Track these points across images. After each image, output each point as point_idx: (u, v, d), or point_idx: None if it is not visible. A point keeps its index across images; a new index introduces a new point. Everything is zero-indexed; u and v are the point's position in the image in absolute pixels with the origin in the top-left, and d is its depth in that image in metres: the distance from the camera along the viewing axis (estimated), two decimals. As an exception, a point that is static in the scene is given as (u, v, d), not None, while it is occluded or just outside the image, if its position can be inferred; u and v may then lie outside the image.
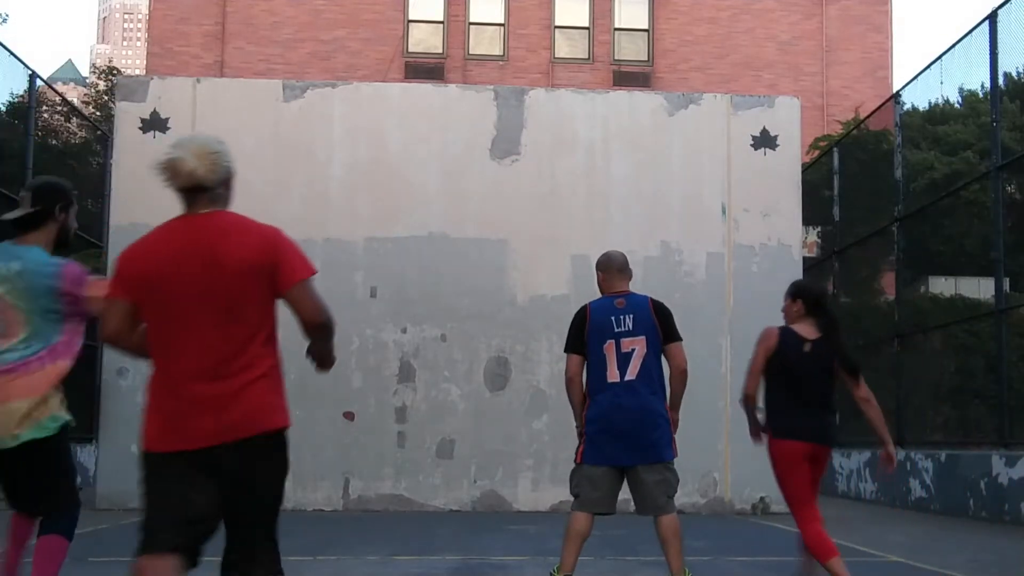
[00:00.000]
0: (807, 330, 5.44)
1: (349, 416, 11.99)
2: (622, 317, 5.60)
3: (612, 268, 5.81)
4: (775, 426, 5.42)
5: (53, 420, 4.31)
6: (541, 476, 12.08)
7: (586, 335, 5.64)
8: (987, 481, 11.36)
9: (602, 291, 5.83)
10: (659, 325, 5.63)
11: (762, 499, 12.00)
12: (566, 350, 5.73)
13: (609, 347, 5.56)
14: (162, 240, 3.38)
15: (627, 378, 5.53)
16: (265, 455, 3.35)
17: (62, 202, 4.39)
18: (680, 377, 5.70)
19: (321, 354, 3.63)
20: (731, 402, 11.07)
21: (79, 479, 15.36)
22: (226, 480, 3.30)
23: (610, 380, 5.55)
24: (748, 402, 5.52)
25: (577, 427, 5.74)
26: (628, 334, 5.56)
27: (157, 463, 3.34)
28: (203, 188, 3.38)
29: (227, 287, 3.32)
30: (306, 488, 11.78)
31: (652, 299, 5.76)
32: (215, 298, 3.31)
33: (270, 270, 3.40)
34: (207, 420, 3.27)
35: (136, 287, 3.36)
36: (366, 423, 11.95)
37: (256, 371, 3.39)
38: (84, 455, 15.40)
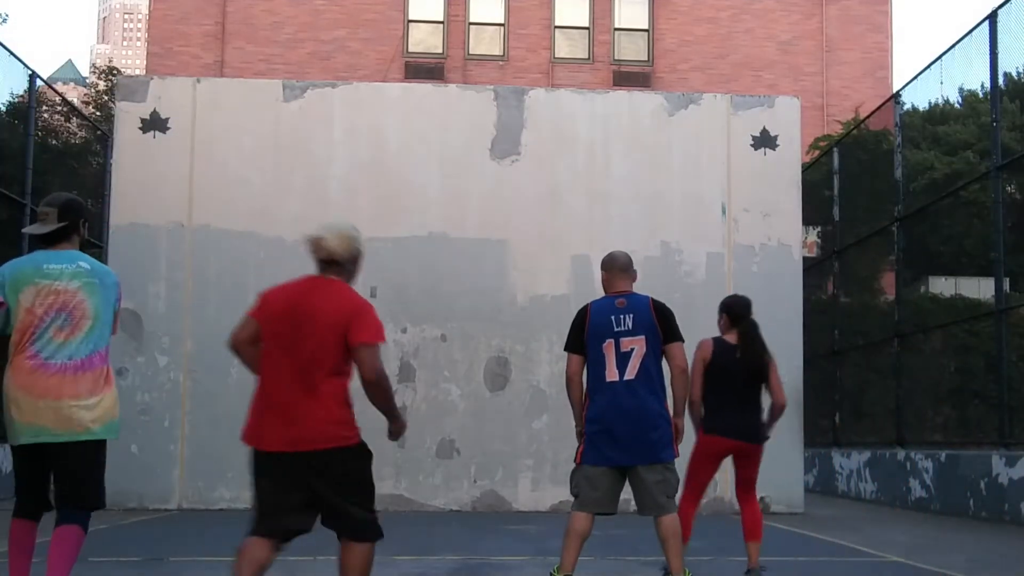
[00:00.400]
0: (735, 339, 6.35)
1: (349, 416, 11.98)
2: (622, 316, 5.60)
3: (615, 268, 5.83)
4: (705, 424, 6.27)
5: (114, 420, 4.68)
6: (541, 476, 12.07)
7: (586, 335, 5.64)
8: (987, 481, 11.36)
9: (605, 291, 5.84)
10: (659, 325, 5.62)
11: (762, 499, 11.94)
12: (566, 349, 5.75)
13: (608, 346, 5.56)
14: (294, 288, 4.41)
15: (626, 378, 5.52)
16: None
17: (83, 216, 4.84)
18: (680, 378, 5.68)
19: (385, 417, 4.61)
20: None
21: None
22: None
23: (609, 379, 5.54)
24: (693, 407, 6.16)
25: (577, 427, 5.73)
26: (628, 333, 5.56)
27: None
28: (336, 263, 4.39)
29: (318, 335, 4.26)
30: (306, 488, 11.79)
31: (653, 299, 5.75)
32: (307, 341, 4.26)
33: (345, 328, 4.28)
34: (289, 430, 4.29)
35: (265, 315, 4.37)
36: (366, 423, 11.90)
37: (326, 397, 4.32)
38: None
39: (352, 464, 4.38)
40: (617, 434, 5.49)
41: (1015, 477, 10.83)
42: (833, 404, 16.41)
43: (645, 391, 5.53)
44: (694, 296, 12.21)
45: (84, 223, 4.82)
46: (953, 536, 9.88)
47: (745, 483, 6.49)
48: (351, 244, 4.42)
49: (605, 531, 7.69)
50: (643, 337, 5.57)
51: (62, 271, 4.57)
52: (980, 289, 17.66)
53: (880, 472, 14.28)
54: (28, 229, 4.71)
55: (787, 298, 12.34)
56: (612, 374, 5.55)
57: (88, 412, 4.51)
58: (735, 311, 6.50)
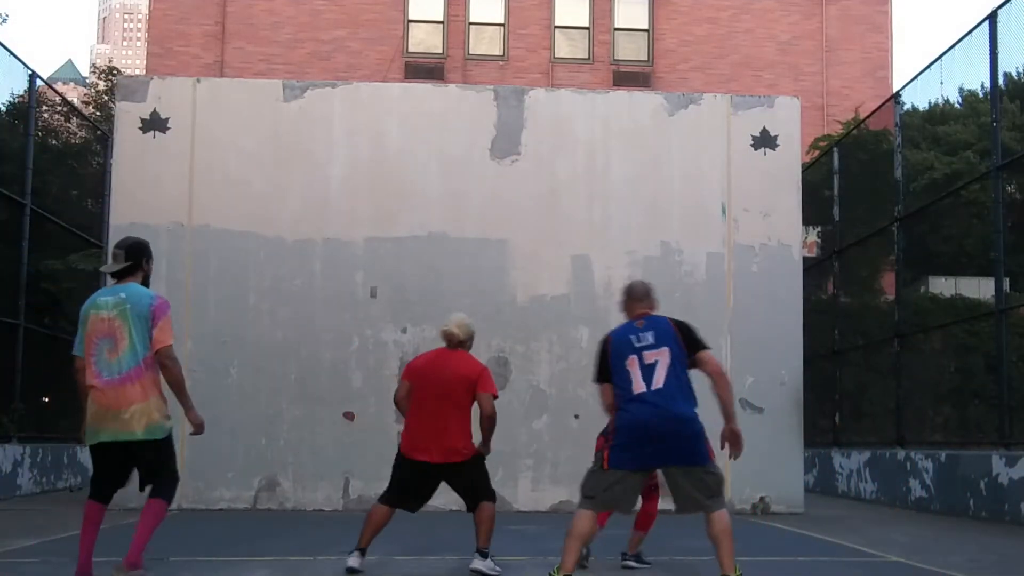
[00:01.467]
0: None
1: (349, 416, 11.99)
2: (641, 334, 5.73)
3: (632, 297, 5.99)
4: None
5: (166, 420, 5.81)
6: (541, 476, 12.07)
7: (609, 360, 5.76)
8: (987, 481, 11.36)
9: (626, 318, 5.97)
10: (682, 337, 5.71)
11: (762, 499, 12.02)
12: (596, 381, 5.89)
13: (632, 362, 5.67)
14: (432, 357, 7.01)
15: (654, 387, 5.60)
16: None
17: (147, 256, 6.00)
18: (721, 381, 5.71)
19: (485, 438, 6.84)
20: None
21: (80, 479, 15.40)
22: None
23: (636, 391, 5.62)
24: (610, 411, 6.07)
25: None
26: (650, 347, 5.67)
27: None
28: (460, 342, 7.01)
29: (453, 388, 6.77)
30: (306, 488, 11.79)
31: (671, 318, 5.86)
32: (447, 392, 6.78)
33: (474, 383, 6.78)
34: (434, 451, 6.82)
35: (412, 376, 6.94)
36: (366, 423, 11.94)
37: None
38: (84, 455, 15.38)
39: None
40: (649, 438, 5.53)
41: (1015, 477, 10.83)
42: (833, 404, 16.41)
43: (674, 398, 5.58)
44: (694, 296, 12.21)
45: (147, 260, 5.97)
46: (953, 536, 9.87)
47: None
48: (467, 330, 7.07)
49: (605, 531, 7.68)
50: (666, 348, 5.65)
51: (107, 303, 5.75)
52: (980, 289, 17.66)
53: (880, 472, 14.28)
54: (104, 268, 5.98)
55: (787, 298, 12.34)
56: (639, 386, 5.63)
57: (136, 417, 5.65)
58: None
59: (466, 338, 6.98)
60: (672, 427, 5.53)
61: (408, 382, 6.90)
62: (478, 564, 6.58)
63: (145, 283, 5.95)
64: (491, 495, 6.85)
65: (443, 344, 7.05)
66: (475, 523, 6.72)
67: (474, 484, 6.81)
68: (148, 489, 5.92)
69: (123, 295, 5.78)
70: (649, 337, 5.69)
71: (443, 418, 6.66)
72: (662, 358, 5.63)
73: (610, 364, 5.75)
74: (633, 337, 5.72)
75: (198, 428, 5.88)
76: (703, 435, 5.61)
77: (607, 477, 5.63)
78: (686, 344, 5.70)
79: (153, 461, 5.78)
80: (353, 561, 6.56)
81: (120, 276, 5.89)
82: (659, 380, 5.60)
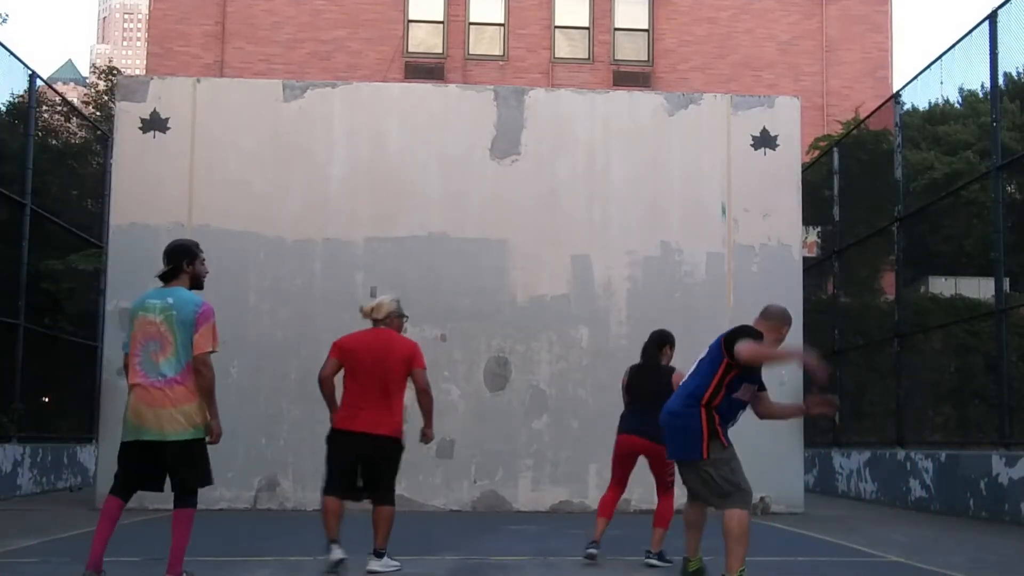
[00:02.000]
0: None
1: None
2: None
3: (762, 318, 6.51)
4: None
5: (198, 426, 5.80)
6: (541, 476, 12.07)
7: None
8: (987, 481, 11.36)
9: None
10: (725, 346, 5.97)
11: (762, 499, 12.00)
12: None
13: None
14: (362, 336, 6.84)
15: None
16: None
17: (187, 258, 6.00)
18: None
19: (425, 418, 6.97)
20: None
21: (79, 479, 15.40)
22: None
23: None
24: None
25: None
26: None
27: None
28: (377, 320, 6.90)
29: (388, 366, 6.73)
30: (306, 488, 11.78)
31: (725, 335, 6.08)
32: (383, 370, 6.72)
33: (409, 360, 6.79)
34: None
35: (342, 354, 6.76)
36: (366, 423, 11.92)
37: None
38: (84, 455, 15.39)
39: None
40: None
41: (1015, 477, 10.83)
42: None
43: (679, 394, 6.08)
44: (694, 296, 12.22)
45: (188, 262, 5.98)
46: (953, 536, 9.87)
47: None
48: (389, 310, 6.93)
49: (606, 531, 7.68)
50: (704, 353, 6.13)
51: (155, 306, 5.86)
52: (980, 289, 17.65)
53: (880, 472, 14.28)
54: (157, 273, 6.03)
55: (787, 298, 12.26)
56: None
57: (180, 418, 5.71)
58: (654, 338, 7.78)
59: (384, 316, 6.84)
60: (667, 421, 6.07)
61: (337, 360, 6.74)
62: (374, 565, 6.55)
63: (196, 285, 6.03)
64: (393, 498, 6.71)
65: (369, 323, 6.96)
66: (374, 523, 6.64)
67: (384, 477, 6.66)
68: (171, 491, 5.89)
69: (170, 300, 5.88)
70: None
71: (378, 395, 6.61)
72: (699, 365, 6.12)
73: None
74: None
75: (215, 438, 5.87)
76: (697, 433, 5.86)
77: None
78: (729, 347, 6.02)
79: (189, 463, 5.78)
80: (337, 553, 6.47)
81: (165, 279, 5.99)
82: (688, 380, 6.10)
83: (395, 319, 6.93)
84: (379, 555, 6.62)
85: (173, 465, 5.77)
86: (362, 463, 6.64)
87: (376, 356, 6.66)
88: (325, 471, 6.72)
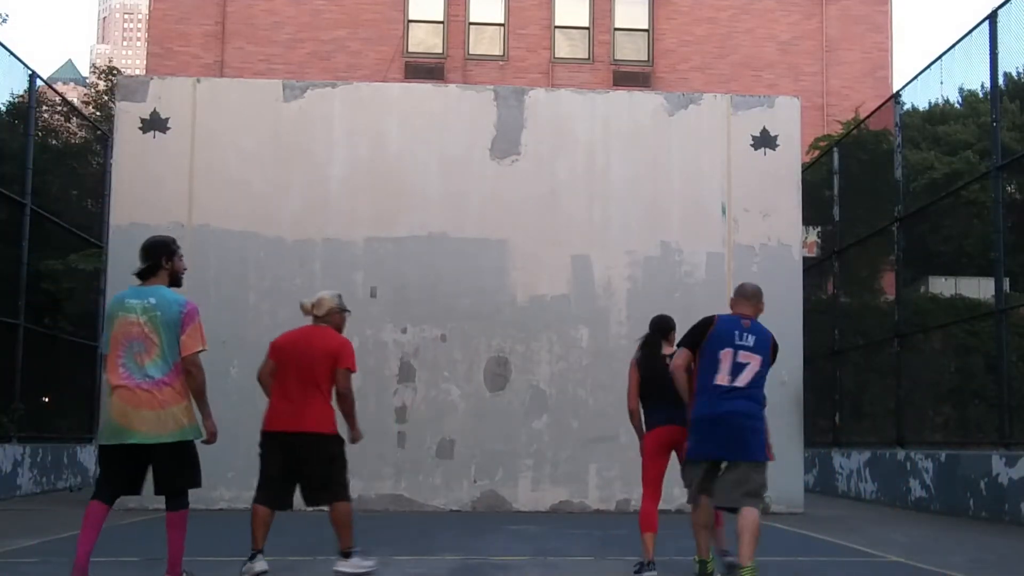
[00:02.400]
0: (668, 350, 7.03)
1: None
2: (745, 334, 6.19)
3: (742, 296, 6.44)
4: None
5: (184, 428, 5.68)
6: (541, 476, 12.07)
7: (707, 337, 6.18)
8: (987, 481, 11.36)
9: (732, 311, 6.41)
10: (772, 358, 6.25)
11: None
12: (681, 344, 6.38)
13: (726, 354, 6.12)
14: (295, 334, 6.65)
15: (736, 384, 6.09)
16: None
17: (166, 254, 5.87)
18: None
19: (348, 420, 6.65)
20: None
21: (79, 479, 15.39)
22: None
23: (718, 383, 6.10)
24: (633, 417, 6.98)
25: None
26: (747, 349, 6.15)
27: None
28: (317, 317, 6.70)
29: (315, 364, 6.47)
30: (306, 488, 11.78)
31: (774, 337, 6.31)
32: (309, 368, 6.47)
33: (335, 358, 6.49)
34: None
35: (275, 353, 6.58)
36: (366, 423, 11.72)
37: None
38: (84, 455, 15.39)
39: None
40: (717, 431, 6.07)
41: (1015, 477, 10.83)
42: (833, 404, 16.41)
43: (751, 398, 6.12)
44: (694, 296, 12.20)
45: (167, 259, 5.84)
46: (953, 536, 9.87)
47: None
48: (328, 305, 6.74)
49: (606, 531, 7.73)
50: (760, 357, 6.18)
51: (135, 306, 5.69)
52: (980, 289, 17.65)
53: (880, 472, 14.28)
54: (134, 271, 5.86)
55: (787, 298, 12.33)
56: (723, 379, 6.10)
57: (168, 419, 5.59)
58: (655, 327, 7.43)
59: (324, 313, 6.66)
60: (739, 421, 6.05)
61: (272, 360, 6.56)
62: (341, 566, 6.40)
63: (175, 282, 5.89)
64: (347, 494, 6.46)
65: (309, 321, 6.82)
66: (332, 524, 6.42)
67: (323, 475, 6.38)
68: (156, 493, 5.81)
69: (152, 300, 5.72)
70: (750, 340, 6.16)
71: (306, 394, 6.37)
72: (753, 363, 6.13)
73: (706, 342, 6.18)
74: (737, 332, 6.16)
75: (211, 437, 5.77)
76: (764, 435, 6.11)
77: (690, 468, 6.32)
78: (772, 361, 6.26)
79: (177, 465, 5.66)
80: (260, 565, 6.22)
81: (143, 277, 5.83)
82: (744, 380, 6.10)
83: (336, 315, 6.73)
84: (346, 555, 6.44)
85: (162, 467, 5.64)
86: (296, 464, 6.37)
87: (300, 352, 6.46)
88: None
